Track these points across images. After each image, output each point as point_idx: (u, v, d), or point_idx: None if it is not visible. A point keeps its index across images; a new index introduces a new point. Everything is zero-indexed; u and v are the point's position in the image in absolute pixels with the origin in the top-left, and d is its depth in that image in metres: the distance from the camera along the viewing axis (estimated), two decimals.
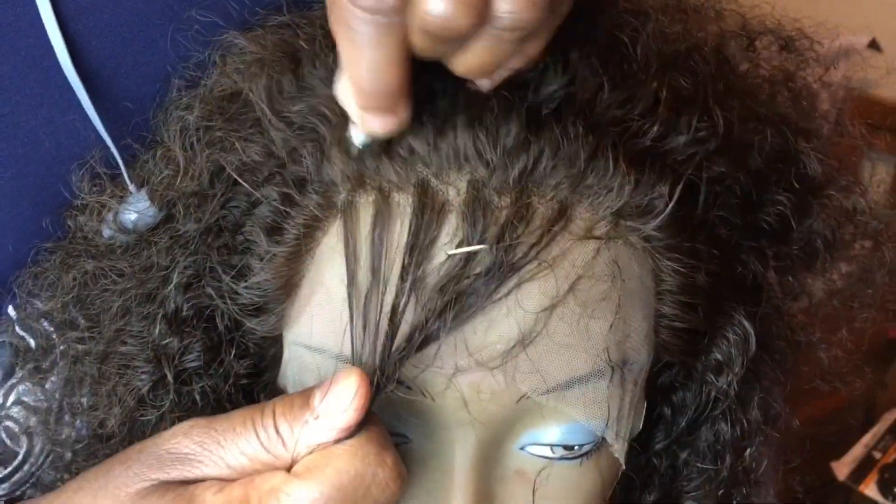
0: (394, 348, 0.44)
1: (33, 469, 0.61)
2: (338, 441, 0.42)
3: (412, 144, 0.45)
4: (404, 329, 0.44)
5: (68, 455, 0.56)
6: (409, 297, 0.44)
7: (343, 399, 0.41)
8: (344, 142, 0.46)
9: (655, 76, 0.49)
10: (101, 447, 0.55)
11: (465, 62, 0.42)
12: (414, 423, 0.47)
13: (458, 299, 0.44)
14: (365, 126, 0.43)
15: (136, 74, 0.56)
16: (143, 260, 0.53)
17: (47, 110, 0.54)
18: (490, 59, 0.42)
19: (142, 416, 0.53)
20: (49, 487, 0.60)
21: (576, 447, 0.48)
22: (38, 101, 0.54)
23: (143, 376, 0.53)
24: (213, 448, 0.42)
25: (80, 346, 0.55)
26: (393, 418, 0.47)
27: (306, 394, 0.42)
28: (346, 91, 0.43)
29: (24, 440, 0.59)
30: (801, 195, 0.55)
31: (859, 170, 0.61)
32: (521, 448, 0.48)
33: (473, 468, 0.46)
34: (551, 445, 0.47)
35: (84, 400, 0.55)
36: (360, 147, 0.46)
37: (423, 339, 0.44)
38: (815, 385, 0.62)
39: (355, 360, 0.45)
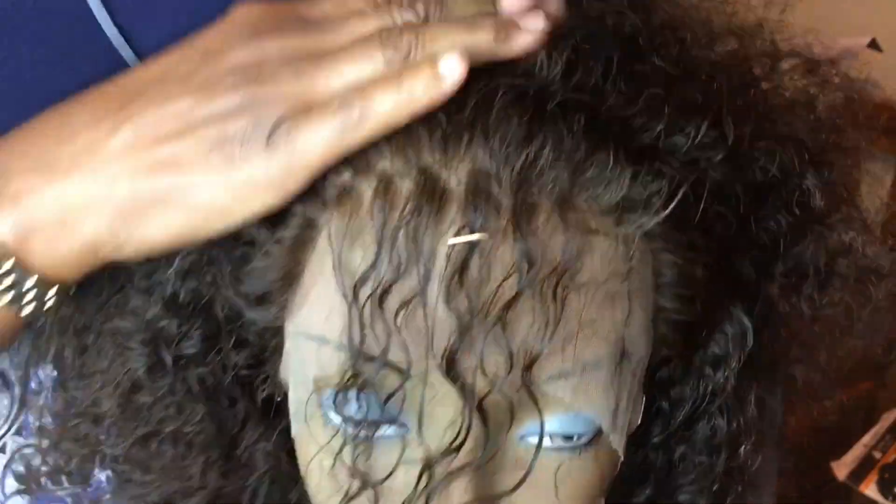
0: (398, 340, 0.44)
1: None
2: None
3: (417, 130, 0.46)
4: (417, 321, 0.45)
5: (56, 424, 0.57)
6: (420, 288, 0.44)
7: None
8: None
9: (666, 81, 0.49)
10: (92, 427, 0.56)
11: None
12: (411, 412, 0.47)
13: (471, 293, 0.44)
14: (513, 39, 0.44)
15: None
16: None
17: None
18: None
19: (137, 398, 0.53)
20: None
21: (574, 437, 0.48)
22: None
23: (140, 358, 0.53)
24: None
25: (76, 314, 0.55)
26: (389, 407, 0.47)
27: None
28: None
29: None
30: (797, 220, 0.55)
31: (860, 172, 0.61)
32: (521, 438, 0.48)
33: (471, 457, 0.46)
34: (550, 435, 0.47)
35: (81, 366, 0.55)
36: None
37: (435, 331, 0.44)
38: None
39: (352, 349, 0.45)
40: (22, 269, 0.47)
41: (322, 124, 0.45)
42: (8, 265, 0.47)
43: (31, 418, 0.63)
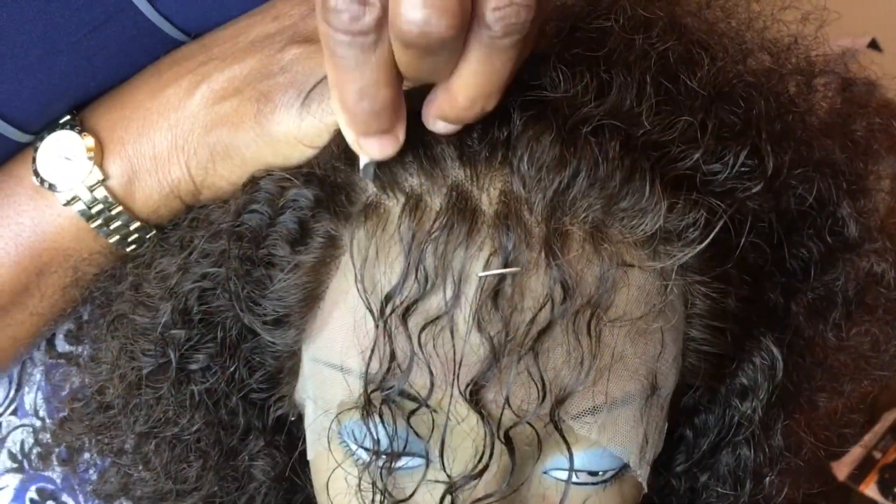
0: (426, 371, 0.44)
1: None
2: None
3: (447, 148, 0.44)
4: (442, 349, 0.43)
5: (63, 404, 0.57)
6: (448, 309, 0.43)
7: None
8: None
9: (703, 106, 0.48)
10: (98, 415, 0.55)
11: (465, 87, 0.40)
12: (435, 445, 0.46)
13: (503, 320, 0.43)
14: (363, 150, 0.43)
15: None
16: (169, 236, 0.53)
17: None
18: (489, 77, 0.40)
19: (140, 394, 0.53)
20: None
21: (600, 472, 0.47)
22: None
23: (147, 357, 0.52)
24: None
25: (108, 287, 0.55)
26: (412, 438, 0.46)
27: None
28: (340, 116, 0.42)
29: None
30: (829, 249, 0.54)
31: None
32: (545, 472, 0.47)
33: (496, 486, 0.45)
34: (576, 471, 0.46)
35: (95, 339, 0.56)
36: (364, 168, 0.45)
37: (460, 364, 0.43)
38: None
39: (374, 370, 0.44)
40: (129, 214, 0.52)
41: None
42: (118, 209, 0.52)
43: (26, 399, 0.63)
